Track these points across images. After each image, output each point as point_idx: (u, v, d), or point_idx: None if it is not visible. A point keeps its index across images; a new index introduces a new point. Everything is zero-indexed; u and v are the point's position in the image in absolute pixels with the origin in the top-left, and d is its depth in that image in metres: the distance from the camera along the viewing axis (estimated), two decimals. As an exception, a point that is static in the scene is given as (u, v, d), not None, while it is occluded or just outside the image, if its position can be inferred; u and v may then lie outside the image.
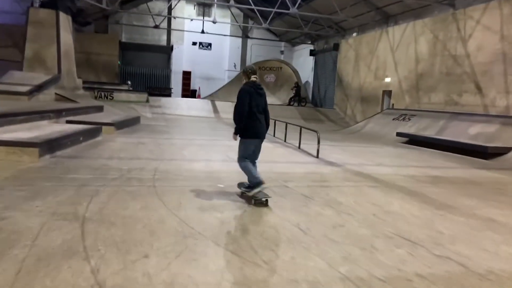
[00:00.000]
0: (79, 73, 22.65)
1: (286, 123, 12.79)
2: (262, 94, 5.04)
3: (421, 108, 16.35)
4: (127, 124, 12.83)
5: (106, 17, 28.26)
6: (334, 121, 22.56)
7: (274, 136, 13.19)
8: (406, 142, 13.64)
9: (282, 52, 32.62)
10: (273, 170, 7.03)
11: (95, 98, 20.07)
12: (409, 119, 15.37)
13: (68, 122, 10.83)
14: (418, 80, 17.04)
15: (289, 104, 24.88)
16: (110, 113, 14.59)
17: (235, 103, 4.97)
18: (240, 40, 31.63)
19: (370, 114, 20.49)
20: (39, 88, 14.45)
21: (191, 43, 30.82)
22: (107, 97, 20.45)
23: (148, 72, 30.05)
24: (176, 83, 30.74)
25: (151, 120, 17.03)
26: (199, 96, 31.20)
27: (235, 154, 5.34)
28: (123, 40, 29.31)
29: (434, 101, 15.95)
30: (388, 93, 19.72)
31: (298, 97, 24.85)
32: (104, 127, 10.79)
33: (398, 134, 14.19)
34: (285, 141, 12.07)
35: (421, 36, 16.96)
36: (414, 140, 13.22)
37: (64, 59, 16.66)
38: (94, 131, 9.81)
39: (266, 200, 4.93)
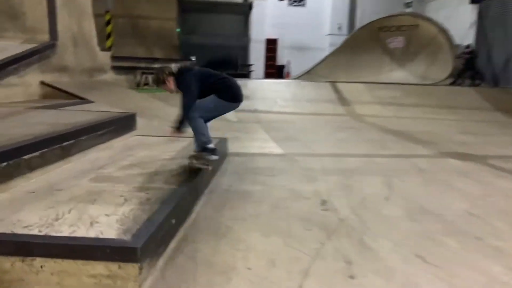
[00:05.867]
0: (122, 46, 14.44)
1: None
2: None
3: None
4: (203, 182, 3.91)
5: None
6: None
7: None
8: None
9: (408, 4, 22.22)
10: None
11: (138, 86, 11.58)
12: None
13: None
14: None
15: (453, 83, 14.89)
16: (151, 141, 5.75)
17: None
18: (347, -10, 21.74)
19: None
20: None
21: (278, -3, 21.46)
22: (157, 84, 11.85)
23: (218, 42, 21.16)
24: (256, 57, 21.73)
25: (240, 131, 8.08)
26: (288, 75, 22.05)
27: None
28: (183, -3, 20.55)
29: None
30: None
31: (473, 71, 14.72)
32: None
33: None
34: None
35: None
36: None
37: (64, 11, 8.10)
38: None
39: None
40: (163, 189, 3.20)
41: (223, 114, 4.04)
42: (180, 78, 3.74)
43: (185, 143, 5.15)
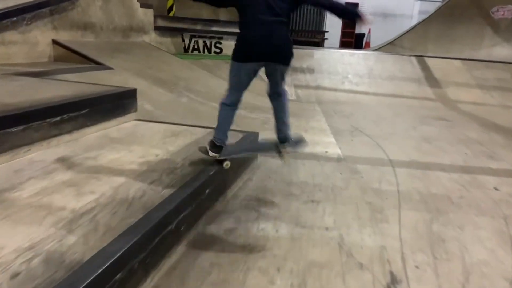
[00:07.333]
0: (188, 7, 12.98)
1: None
2: None
3: None
4: None
5: None
6: None
7: None
8: None
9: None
10: None
11: (185, 49, 10.13)
12: None
13: None
14: None
15: None
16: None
17: None
18: None
19: None
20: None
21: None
22: (209, 49, 10.35)
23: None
24: (332, 24, 19.33)
25: (292, 115, 6.29)
26: (367, 44, 19.49)
27: None
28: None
29: None
30: None
31: None
32: None
33: None
34: None
35: None
36: None
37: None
38: None
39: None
40: (76, 251, 1.62)
41: (241, 78, 2.74)
42: None
43: (192, 138, 3.53)
